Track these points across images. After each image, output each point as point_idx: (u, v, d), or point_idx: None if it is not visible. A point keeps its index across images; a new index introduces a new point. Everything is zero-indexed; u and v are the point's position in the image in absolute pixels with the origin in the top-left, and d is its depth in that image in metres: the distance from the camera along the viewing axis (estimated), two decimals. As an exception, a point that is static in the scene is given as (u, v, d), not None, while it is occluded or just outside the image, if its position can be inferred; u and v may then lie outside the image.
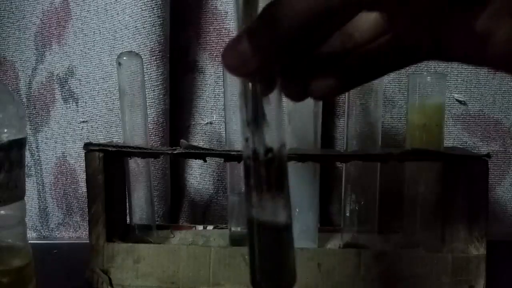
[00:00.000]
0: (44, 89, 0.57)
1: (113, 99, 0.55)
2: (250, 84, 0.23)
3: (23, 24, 0.56)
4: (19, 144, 0.36)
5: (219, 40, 0.55)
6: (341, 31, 0.24)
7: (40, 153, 0.58)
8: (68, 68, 0.56)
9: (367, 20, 0.25)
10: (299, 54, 0.24)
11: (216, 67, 0.55)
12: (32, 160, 0.58)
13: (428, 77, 0.43)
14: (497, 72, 0.53)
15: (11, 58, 0.57)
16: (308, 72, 0.25)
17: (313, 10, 0.20)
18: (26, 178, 0.53)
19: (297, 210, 0.43)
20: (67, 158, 0.57)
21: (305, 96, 0.25)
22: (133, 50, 0.49)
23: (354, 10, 0.21)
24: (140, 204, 0.45)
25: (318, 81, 0.25)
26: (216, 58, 0.55)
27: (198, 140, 0.57)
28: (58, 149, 0.58)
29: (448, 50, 0.24)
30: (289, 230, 0.24)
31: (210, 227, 0.50)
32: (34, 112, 0.57)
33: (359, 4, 0.20)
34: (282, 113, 0.24)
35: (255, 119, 0.23)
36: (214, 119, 0.56)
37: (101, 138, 0.56)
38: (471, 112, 0.54)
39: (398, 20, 0.24)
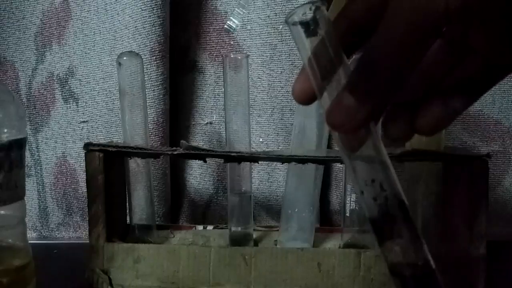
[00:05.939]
0: (44, 89, 0.57)
1: (113, 99, 0.55)
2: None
3: (23, 24, 0.56)
4: (19, 144, 0.36)
5: (219, 40, 0.55)
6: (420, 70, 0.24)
7: (40, 153, 0.58)
8: (68, 68, 0.56)
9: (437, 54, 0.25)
10: (400, 91, 0.24)
11: (216, 67, 0.55)
12: (32, 160, 0.58)
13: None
14: None
15: (11, 58, 0.57)
16: (412, 107, 0.25)
17: (408, 35, 0.21)
18: (26, 178, 0.53)
19: (297, 210, 0.43)
20: (67, 158, 0.57)
21: (412, 134, 0.26)
22: (133, 50, 0.49)
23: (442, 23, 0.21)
24: (140, 204, 0.45)
25: (424, 116, 0.25)
26: (216, 58, 0.55)
27: (198, 140, 0.57)
28: (58, 149, 0.58)
29: None
30: None
31: (210, 227, 0.50)
32: (34, 112, 0.57)
33: (447, 17, 0.20)
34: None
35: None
36: (214, 119, 0.56)
37: (101, 138, 0.56)
38: (471, 112, 0.54)
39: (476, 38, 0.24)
